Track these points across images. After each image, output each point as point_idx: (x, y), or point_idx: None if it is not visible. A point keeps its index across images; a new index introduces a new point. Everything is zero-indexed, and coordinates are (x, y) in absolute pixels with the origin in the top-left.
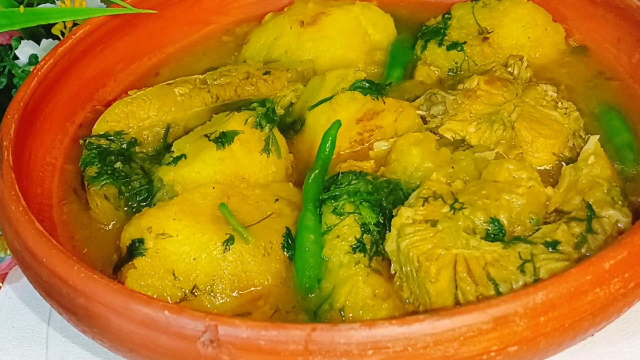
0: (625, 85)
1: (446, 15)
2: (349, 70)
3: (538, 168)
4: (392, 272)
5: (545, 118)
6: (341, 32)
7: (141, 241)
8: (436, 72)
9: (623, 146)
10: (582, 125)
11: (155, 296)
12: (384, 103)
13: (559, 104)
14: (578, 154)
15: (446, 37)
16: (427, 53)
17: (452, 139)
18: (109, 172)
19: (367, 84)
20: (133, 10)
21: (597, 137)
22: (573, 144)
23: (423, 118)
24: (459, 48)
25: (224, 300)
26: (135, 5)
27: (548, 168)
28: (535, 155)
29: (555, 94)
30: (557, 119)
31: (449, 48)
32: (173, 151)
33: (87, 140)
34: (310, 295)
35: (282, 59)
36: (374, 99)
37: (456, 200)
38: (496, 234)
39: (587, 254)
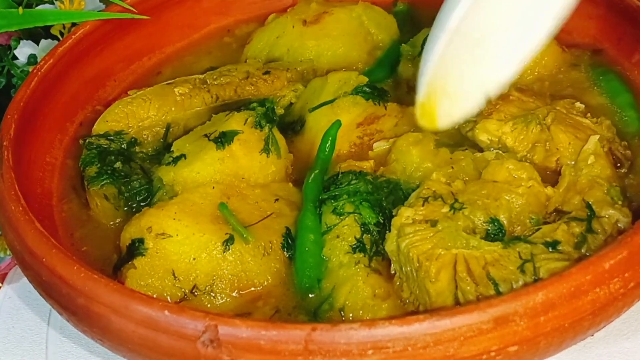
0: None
1: None
2: (351, 74)
3: None
4: (392, 272)
5: (579, 124)
6: (343, 31)
7: (141, 241)
8: None
9: (625, 106)
10: (615, 132)
11: (155, 296)
12: (385, 109)
13: (588, 115)
14: (614, 159)
15: None
16: None
17: (488, 141)
18: (109, 172)
19: (369, 89)
20: (129, 15)
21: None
22: (610, 149)
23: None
24: None
25: (224, 300)
26: (134, 5)
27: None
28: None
29: (583, 106)
30: (589, 125)
31: None
32: (173, 151)
33: (87, 140)
34: (310, 295)
35: (284, 58)
36: (375, 104)
37: (456, 200)
38: (496, 233)
39: (587, 254)
